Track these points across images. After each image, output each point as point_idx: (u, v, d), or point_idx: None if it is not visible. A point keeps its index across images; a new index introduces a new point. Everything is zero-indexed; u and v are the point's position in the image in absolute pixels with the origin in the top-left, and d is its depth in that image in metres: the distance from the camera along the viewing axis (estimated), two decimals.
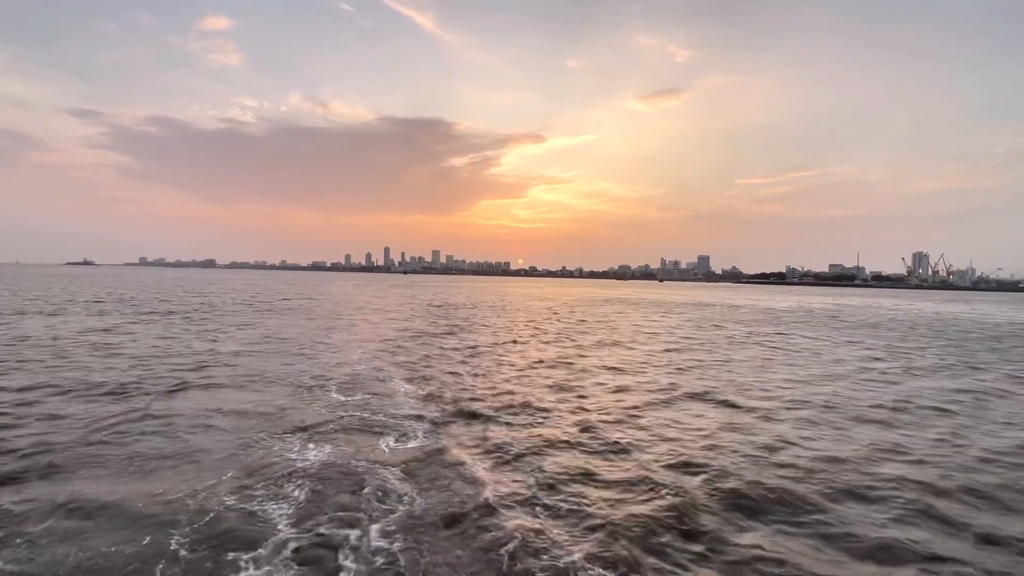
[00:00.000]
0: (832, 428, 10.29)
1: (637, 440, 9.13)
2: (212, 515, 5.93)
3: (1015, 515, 6.61)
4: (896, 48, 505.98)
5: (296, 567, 5.05)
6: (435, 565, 5.19)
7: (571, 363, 17.19)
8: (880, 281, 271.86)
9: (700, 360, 18.56)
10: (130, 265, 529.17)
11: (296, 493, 6.61)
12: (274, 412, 10.22)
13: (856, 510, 6.64)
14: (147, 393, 11.36)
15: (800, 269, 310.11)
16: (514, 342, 22.25)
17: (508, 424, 10.00)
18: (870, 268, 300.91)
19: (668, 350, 21.02)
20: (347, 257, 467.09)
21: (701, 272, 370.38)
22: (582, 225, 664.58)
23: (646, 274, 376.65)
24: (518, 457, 8.19)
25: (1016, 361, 20.38)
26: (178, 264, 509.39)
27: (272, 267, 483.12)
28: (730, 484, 7.22)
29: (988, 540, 5.94)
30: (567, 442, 8.96)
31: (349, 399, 11.43)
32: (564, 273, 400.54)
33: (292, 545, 5.40)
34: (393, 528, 5.85)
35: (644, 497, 6.81)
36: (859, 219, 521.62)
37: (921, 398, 13.16)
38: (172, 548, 5.27)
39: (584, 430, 9.64)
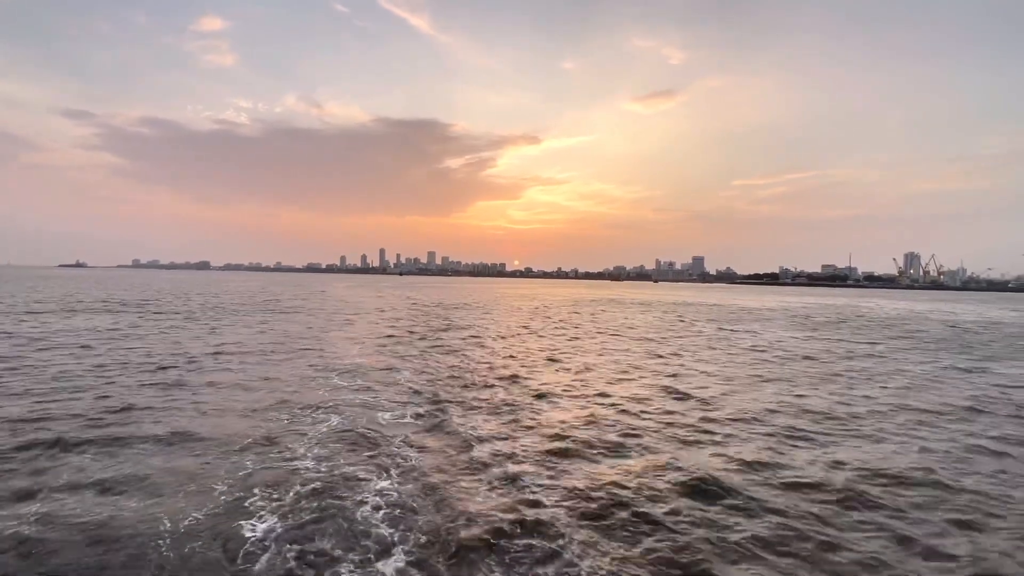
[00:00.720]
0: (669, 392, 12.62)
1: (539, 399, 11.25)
2: (249, 459, 7.18)
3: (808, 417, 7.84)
4: (893, 49, 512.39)
5: (318, 502, 6.22)
6: (431, 501, 6.36)
7: (530, 350, 18.71)
8: (872, 282, 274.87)
9: (628, 348, 20.99)
10: (123, 267, 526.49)
11: (314, 449, 7.90)
12: (293, 388, 11.78)
13: (688, 451, 7.87)
14: (184, 369, 12.52)
15: (793, 270, 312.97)
16: (502, 336, 23.60)
17: (478, 397, 11.56)
18: (864, 268, 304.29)
19: (606, 338, 22.34)
20: (342, 259, 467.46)
21: (695, 273, 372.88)
22: (578, 226, 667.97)
23: (641, 275, 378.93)
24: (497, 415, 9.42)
25: (913, 347, 22.81)
26: (172, 266, 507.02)
27: (267, 268, 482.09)
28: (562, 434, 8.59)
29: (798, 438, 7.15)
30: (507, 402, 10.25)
31: (350, 383, 12.76)
32: (560, 274, 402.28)
33: (314, 485, 6.65)
34: (402, 472, 7.13)
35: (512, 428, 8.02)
36: (856, 220, 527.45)
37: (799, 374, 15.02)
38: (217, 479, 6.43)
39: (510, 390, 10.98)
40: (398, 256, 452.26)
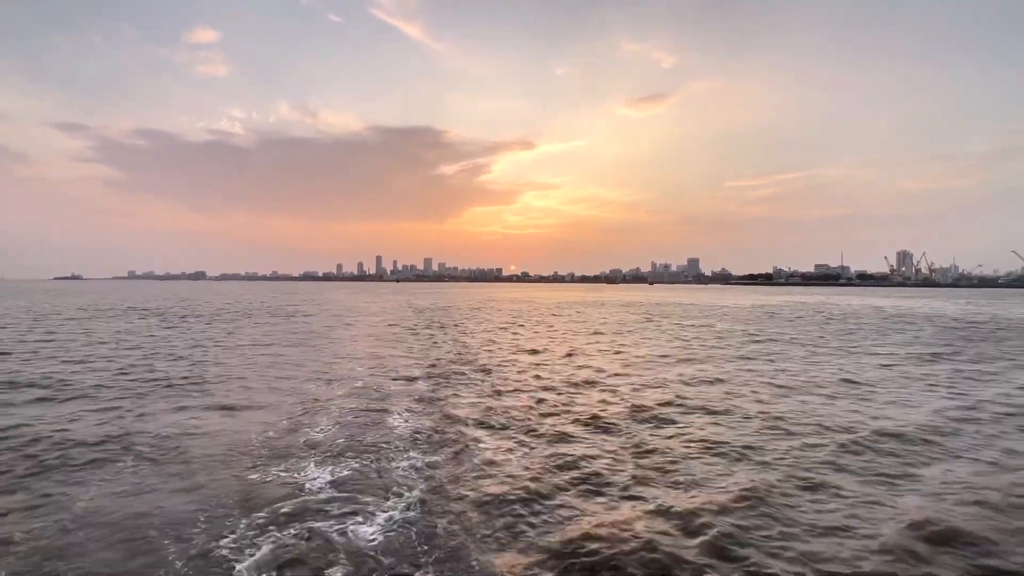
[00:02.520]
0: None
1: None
2: (285, 423, 8.79)
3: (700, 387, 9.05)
4: (880, 51, 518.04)
5: (345, 448, 7.77)
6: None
7: (506, 345, 20.24)
8: (864, 280, 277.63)
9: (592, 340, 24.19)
10: (119, 279, 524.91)
11: (334, 416, 9.87)
12: (319, 371, 14.46)
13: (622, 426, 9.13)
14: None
15: (787, 270, 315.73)
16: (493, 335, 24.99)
17: (460, 373, 13.85)
18: (857, 267, 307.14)
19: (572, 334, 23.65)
20: (339, 266, 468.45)
21: (691, 274, 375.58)
22: (574, 230, 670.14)
23: (637, 277, 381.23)
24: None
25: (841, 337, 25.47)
26: (167, 277, 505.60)
27: (263, 278, 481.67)
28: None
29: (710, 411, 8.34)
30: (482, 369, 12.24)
31: (362, 369, 14.77)
32: (556, 278, 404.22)
33: (342, 441, 8.34)
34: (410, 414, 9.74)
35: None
36: (847, 219, 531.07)
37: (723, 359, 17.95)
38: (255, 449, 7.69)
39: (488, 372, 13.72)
40: (394, 263, 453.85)
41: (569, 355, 18.57)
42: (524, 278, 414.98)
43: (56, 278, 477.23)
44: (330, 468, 7.13)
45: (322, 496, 6.20)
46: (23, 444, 8.02)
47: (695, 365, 16.60)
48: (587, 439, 8.72)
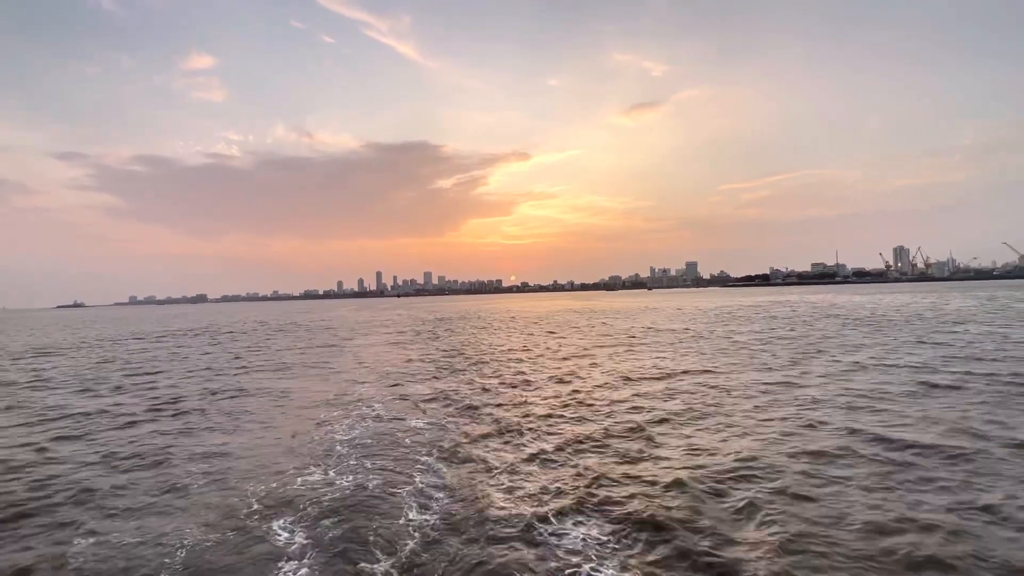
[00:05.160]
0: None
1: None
2: (319, 410, 10.33)
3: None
4: (867, 51, 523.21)
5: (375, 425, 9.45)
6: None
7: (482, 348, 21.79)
8: (860, 277, 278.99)
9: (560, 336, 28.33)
10: (120, 305, 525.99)
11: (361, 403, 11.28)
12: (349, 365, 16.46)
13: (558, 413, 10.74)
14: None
15: (784, 270, 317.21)
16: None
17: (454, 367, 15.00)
18: (854, 265, 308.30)
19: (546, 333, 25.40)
20: (339, 284, 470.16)
21: (690, 278, 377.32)
22: (572, 239, 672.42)
23: (636, 283, 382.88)
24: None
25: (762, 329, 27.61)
26: (168, 301, 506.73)
27: (264, 298, 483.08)
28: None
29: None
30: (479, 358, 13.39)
31: (377, 368, 16.67)
32: (556, 287, 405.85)
33: (374, 412, 10.48)
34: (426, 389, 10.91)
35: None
36: (841, 218, 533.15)
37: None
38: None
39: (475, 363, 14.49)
40: (394, 278, 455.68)
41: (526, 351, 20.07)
42: (524, 289, 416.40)
43: (58, 306, 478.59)
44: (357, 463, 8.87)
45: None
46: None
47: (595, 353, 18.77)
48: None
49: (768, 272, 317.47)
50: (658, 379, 14.50)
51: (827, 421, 9.36)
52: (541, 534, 5.59)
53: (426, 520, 5.96)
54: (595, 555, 5.17)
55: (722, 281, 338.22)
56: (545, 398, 12.36)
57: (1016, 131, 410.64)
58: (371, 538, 5.55)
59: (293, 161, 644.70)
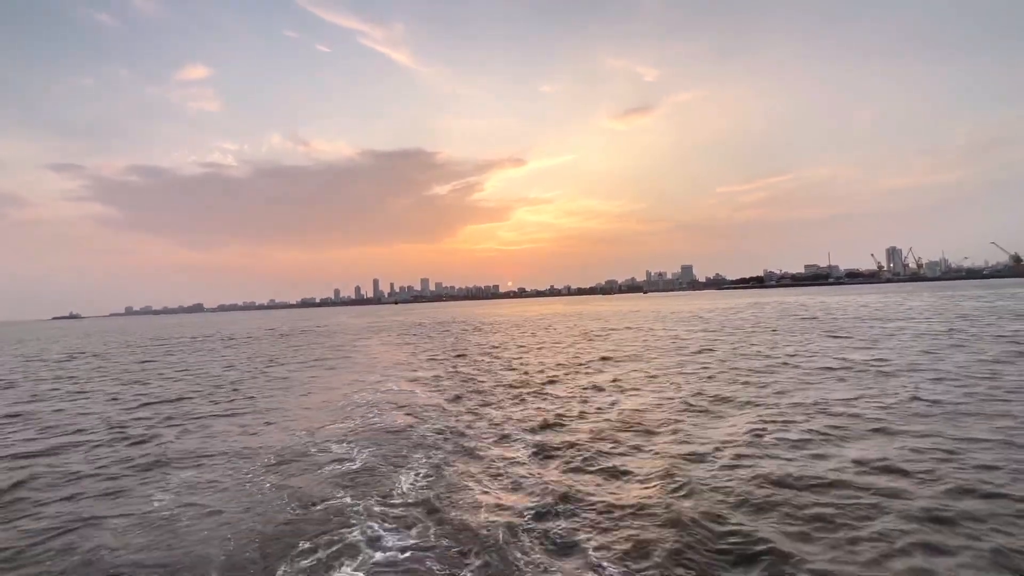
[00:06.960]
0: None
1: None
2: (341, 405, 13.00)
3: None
4: (859, 50, 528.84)
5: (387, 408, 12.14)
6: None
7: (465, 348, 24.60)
8: (853, 278, 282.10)
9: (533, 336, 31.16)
10: (116, 315, 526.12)
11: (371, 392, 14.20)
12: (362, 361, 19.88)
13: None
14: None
15: (778, 272, 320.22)
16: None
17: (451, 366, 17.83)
18: (847, 266, 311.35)
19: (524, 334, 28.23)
20: (336, 292, 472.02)
21: (685, 281, 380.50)
22: (568, 243, 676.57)
23: (632, 287, 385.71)
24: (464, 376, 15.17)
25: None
26: (165, 311, 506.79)
27: (261, 307, 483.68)
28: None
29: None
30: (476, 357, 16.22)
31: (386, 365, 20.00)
32: (552, 292, 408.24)
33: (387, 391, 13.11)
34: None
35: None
36: (833, 219, 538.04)
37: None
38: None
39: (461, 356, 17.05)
40: (392, 285, 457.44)
41: (500, 346, 22.82)
42: (521, 294, 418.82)
43: (55, 318, 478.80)
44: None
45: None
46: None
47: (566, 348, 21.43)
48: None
49: (763, 274, 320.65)
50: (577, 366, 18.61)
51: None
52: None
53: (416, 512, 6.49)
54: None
55: (717, 283, 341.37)
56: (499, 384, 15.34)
57: (1009, 129, 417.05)
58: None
59: (289, 170, 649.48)
